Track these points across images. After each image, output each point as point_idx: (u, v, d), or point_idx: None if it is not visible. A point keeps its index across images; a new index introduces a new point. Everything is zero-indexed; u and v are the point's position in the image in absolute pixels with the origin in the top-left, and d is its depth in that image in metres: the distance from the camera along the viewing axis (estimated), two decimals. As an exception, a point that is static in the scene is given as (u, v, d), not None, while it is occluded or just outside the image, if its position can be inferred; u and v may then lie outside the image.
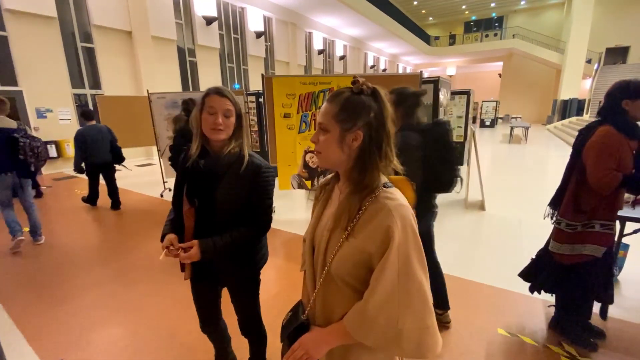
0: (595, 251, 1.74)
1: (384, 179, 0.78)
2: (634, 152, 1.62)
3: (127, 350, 1.94)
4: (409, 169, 1.93)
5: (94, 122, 4.48)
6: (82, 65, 8.40)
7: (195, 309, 1.41)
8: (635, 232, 2.26)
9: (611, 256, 1.78)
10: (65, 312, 2.32)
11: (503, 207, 4.50)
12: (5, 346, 1.72)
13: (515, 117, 20.70)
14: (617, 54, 19.42)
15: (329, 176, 0.92)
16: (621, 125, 1.60)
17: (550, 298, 2.13)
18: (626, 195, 1.92)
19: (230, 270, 1.29)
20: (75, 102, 8.40)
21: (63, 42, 7.83)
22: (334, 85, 3.75)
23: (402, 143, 1.71)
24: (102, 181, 4.74)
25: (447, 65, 28.78)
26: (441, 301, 2.06)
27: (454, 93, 7.23)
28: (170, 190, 5.53)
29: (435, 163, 1.71)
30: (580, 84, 18.56)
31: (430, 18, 27.78)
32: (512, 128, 13.41)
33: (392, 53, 25.52)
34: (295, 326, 0.85)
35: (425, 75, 3.75)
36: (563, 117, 17.42)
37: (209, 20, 11.07)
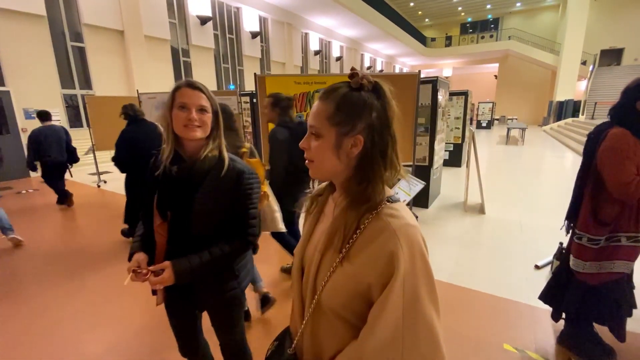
0: (626, 267, 1.60)
1: (388, 191, 0.65)
2: None
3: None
4: (273, 157, 2.38)
5: (50, 123, 4.66)
6: (72, 65, 8.22)
7: (173, 333, 1.26)
8: None
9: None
10: (42, 325, 2.16)
11: (503, 210, 4.39)
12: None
13: (512, 119, 20.71)
14: (611, 56, 19.60)
15: (322, 185, 0.78)
16: (636, 129, 1.46)
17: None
18: None
19: (210, 290, 1.13)
20: (66, 102, 8.21)
21: (52, 42, 7.64)
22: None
23: (272, 136, 2.28)
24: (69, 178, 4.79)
25: (444, 67, 28.83)
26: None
27: (452, 94, 7.13)
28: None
29: (296, 155, 1.96)
30: (576, 85, 18.64)
31: (427, 19, 27.83)
32: (508, 129, 13.37)
33: (388, 54, 25.51)
34: None
35: (422, 76, 3.63)
36: (559, 119, 17.47)
37: (203, 20, 10.93)
